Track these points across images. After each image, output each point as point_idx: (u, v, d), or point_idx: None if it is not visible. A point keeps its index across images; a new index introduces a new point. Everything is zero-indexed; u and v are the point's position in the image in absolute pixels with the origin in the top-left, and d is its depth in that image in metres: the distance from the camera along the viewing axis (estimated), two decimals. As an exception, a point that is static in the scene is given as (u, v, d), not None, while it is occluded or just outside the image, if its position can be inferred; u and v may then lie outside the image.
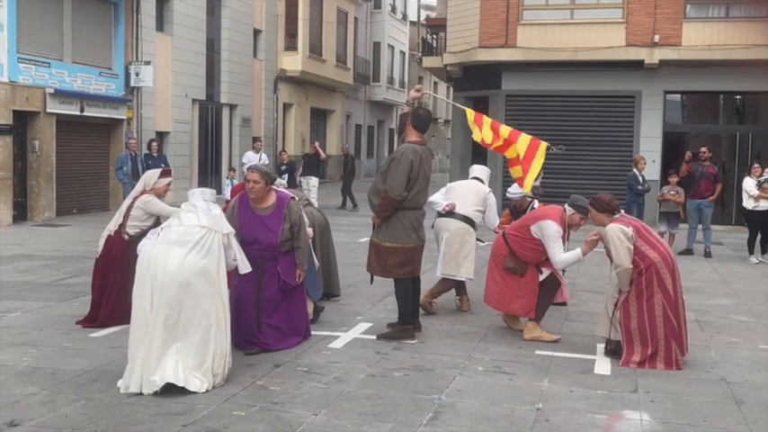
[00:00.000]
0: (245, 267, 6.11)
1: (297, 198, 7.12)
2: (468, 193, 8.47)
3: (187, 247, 5.59)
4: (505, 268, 7.34)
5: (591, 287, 10.10)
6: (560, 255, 7.02)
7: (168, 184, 7.72)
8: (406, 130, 7.23)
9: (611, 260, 6.50)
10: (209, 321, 5.58)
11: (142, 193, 7.56)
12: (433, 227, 8.32)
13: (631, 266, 6.36)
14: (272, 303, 6.56)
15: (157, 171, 7.75)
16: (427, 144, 7.29)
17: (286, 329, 6.68)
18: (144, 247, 5.77)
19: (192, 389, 5.44)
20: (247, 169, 6.64)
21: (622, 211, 6.85)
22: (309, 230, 7.13)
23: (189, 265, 5.55)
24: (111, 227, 7.57)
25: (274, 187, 6.71)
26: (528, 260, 7.28)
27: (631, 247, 6.38)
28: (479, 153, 17.70)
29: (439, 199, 8.42)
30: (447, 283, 8.38)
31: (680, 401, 5.60)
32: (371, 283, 7.62)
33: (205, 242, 5.66)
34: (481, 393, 5.65)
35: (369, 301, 8.78)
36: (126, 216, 7.52)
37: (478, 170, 8.98)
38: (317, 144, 21.78)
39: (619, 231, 6.42)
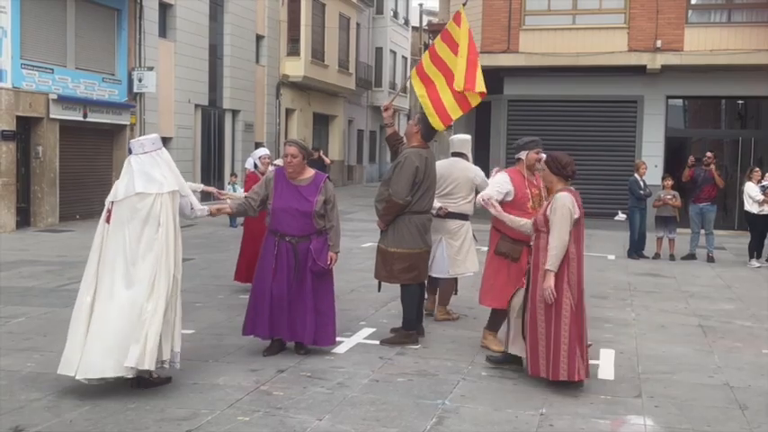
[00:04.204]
0: (201, 211, 6.06)
1: None
2: (455, 185, 8.10)
3: (136, 223, 5.60)
4: (497, 253, 6.85)
5: (593, 292, 10.09)
6: (489, 191, 6.73)
7: None
8: (409, 138, 7.23)
9: (541, 230, 5.94)
10: (168, 295, 5.56)
11: None
12: None
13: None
14: (304, 287, 6.43)
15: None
16: (430, 148, 7.32)
17: (318, 319, 6.52)
18: (99, 227, 5.77)
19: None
20: (285, 143, 6.67)
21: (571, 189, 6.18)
22: None
23: (145, 241, 5.58)
24: None
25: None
26: (516, 235, 6.66)
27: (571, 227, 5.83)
28: (483, 155, 17.71)
29: None
30: (449, 285, 8.31)
31: (684, 406, 5.60)
32: (379, 290, 7.61)
33: (151, 214, 5.61)
34: (485, 398, 5.66)
35: (372, 306, 8.79)
36: None
37: (458, 143, 8.39)
38: (321, 152, 21.86)
39: (570, 204, 5.82)
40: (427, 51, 7.56)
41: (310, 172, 6.58)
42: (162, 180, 5.68)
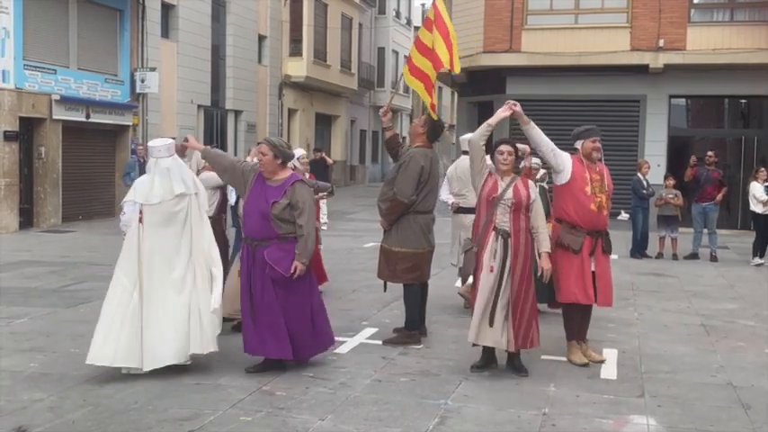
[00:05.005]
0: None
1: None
2: (461, 184, 8.23)
3: (174, 225, 6.01)
4: (557, 245, 6.45)
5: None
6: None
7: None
8: (414, 137, 7.27)
9: (520, 211, 6.07)
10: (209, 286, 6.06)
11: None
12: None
13: None
14: (264, 297, 5.97)
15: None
16: (433, 148, 7.34)
17: (285, 334, 5.99)
18: (131, 225, 6.04)
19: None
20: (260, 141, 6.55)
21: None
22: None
23: (179, 241, 6.02)
24: None
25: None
26: (579, 221, 6.46)
27: None
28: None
29: (444, 196, 8.44)
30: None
31: (686, 406, 5.59)
32: (385, 290, 7.59)
33: (187, 214, 6.06)
34: (487, 398, 5.65)
35: (374, 306, 8.79)
36: None
37: (465, 142, 8.31)
38: (323, 153, 21.87)
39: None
40: (413, 45, 7.62)
41: (286, 173, 6.15)
42: (189, 182, 6.09)
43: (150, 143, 6.31)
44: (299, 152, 10.12)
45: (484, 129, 6.25)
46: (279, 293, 5.98)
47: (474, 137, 6.29)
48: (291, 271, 5.90)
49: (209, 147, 6.59)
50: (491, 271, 6.06)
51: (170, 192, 5.98)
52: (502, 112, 6.30)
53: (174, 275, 5.97)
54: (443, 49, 7.19)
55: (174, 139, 6.44)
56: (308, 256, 5.95)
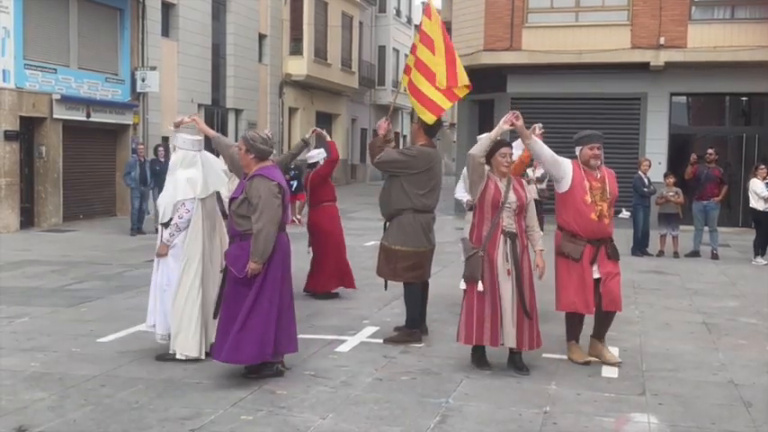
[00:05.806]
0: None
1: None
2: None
3: (213, 219, 6.46)
4: (557, 254, 6.43)
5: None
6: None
7: None
8: (416, 137, 7.32)
9: (519, 213, 6.16)
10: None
11: None
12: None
13: None
14: (226, 296, 5.81)
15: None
16: (436, 147, 7.37)
17: (231, 337, 5.66)
18: (198, 224, 6.31)
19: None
20: None
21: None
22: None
23: (218, 236, 6.54)
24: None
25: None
26: (578, 230, 6.34)
27: None
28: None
29: (460, 194, 8.52)
30: None
31: (688, 404, 5.59)
32: (386, 288, 7.61)
33: (216, 209, 6.55)
34: (488, 397, 5.65)
35: (375, 304, 8.79)
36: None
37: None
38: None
39: None
40: (412, 54, 7.57)
41: (256, 167, 5.80)
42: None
43: (187, 135, 6.44)
44: (323, 153, 10.18)
45: (485, 143, 6.17)
46: (235, 290, 5.73)
47: (476, 152, 6.14)
48: (246, 271, 5.62)
49: (219, 134, 6.62)
50: (508, 274, 6.05)
51: (223, 180, 6.48)
52: (503, 125, 6.21)
53: (216, 269, 6.39)
54: (444, 67, 7.08)
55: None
56: (260, 255, 5.57)
